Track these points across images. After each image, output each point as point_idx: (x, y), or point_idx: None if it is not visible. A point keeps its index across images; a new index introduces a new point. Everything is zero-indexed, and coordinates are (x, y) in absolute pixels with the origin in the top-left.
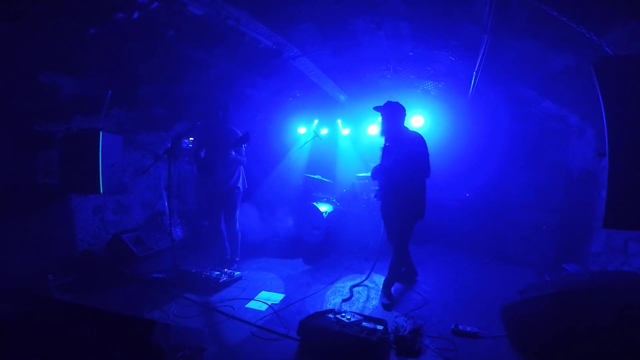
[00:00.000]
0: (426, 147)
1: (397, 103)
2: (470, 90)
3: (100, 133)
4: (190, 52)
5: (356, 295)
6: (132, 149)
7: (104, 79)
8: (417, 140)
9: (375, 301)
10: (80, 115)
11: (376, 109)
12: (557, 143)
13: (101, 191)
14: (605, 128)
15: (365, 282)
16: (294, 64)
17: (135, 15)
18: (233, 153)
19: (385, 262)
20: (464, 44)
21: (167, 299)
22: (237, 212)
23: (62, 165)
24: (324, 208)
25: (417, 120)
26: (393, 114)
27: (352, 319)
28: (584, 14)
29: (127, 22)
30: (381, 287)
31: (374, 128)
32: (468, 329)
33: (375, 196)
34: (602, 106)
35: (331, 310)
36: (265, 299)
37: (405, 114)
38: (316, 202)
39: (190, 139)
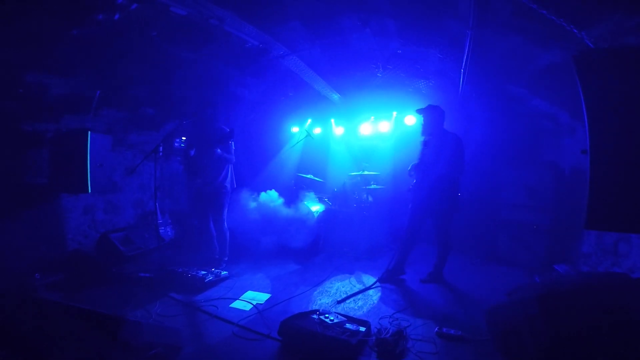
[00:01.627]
0: (463, 147)
1: (438, 107)
2: (460, 89)
3: (89, 133)
4: (177, 52)
5: (340, 292)
6: (124, 149)
7: (91, 79)
8: (456, 140)
9: (361, 302)
10: (69, 115)
11: (418, 111)
12: (549, 142)
13: (89, 190)
14: (586, 124)
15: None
16: (284, 63)
17: (117, 16)
18: (219, 151)
19: (371, 261)
20: (449, 40)
21: (152, 298)
22: (225, 212)
23: (51, 165)
24: (315, 207)
25: (409, 120)
26: (433, 116)
27: (336, 320)
28: (564, 6)
29: (109, 23)
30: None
31: (366, 127)
32: (452, 332)
33: (410, 190)
34: (582, 101)
35: (315, 311)
36: (251, 299)
37: (443, 115)
38: (307, 201)
39: (183, 138)
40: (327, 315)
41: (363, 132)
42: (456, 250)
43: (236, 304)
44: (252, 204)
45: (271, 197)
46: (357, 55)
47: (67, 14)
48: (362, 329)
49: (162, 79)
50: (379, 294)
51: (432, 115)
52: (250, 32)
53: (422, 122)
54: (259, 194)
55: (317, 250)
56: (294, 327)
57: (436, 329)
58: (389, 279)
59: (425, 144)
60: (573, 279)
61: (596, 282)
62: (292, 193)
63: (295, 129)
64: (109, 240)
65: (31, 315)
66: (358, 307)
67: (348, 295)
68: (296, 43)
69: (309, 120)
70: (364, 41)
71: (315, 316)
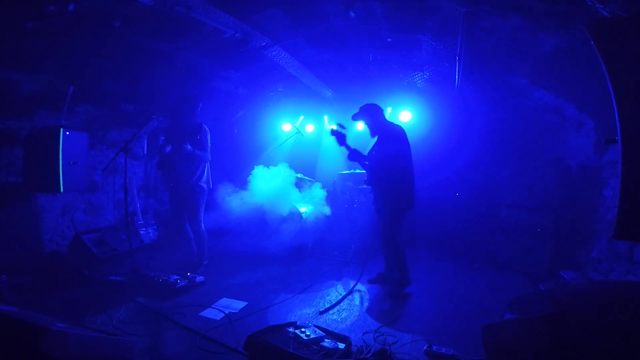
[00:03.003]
0: (398, 138)
1: (368, 104)
2: (457, 80)
3: (61, 130)
4: (150, 44)
5: (325, 301)
6: (104, 147)
7: (63, 74)
8: (392, 132)
9: (346, 313)
10: (43, 111)
11: (354, 117)
12: (553, 137)
13: (61, 190)
14: (615, 108)
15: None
16: (268, 55)
17: (71, 7)
18: (188, 147)
19: (361, 266)
20: (441, 24)
21: (118, 303)
22: (201, 212)
23: (25, 163)
24: (304, 208)
25: (404, 116)
26: (368, 115)
27: (313, 336)
28: None
29: (66, 14)
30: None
31: (361, 124)
32: (443, 350)
33: (366, 182)
34: (607, 79)
35: (292, 324)
36: (224, 307)
37: (379, 110)
38: (296, 201)
39: None
40: (303, 330)
41: (357, 129)
42: (452, 254)
43: (207, 312)
44: (236, 200)
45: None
46: (346, 45)
47: (20, 7)
48: (341, 346)
49: (139, 73)
50: (367, 303)
51: (366, 114)
52: (226, 21)
53: (367, 125)
54: (241, 190)
55: (304, 254)
56: (262, 342)
57: (425, 347)
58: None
59: None
60: (583, 289)
61: (611, 295)
62: None
63: (286, 126)
64: (82, 241)
65: None
66: (342, 318)
67: (332, 305)
68: (278, 32)
69: (301, 117)
70: (351, 30)
71: (291, 329)
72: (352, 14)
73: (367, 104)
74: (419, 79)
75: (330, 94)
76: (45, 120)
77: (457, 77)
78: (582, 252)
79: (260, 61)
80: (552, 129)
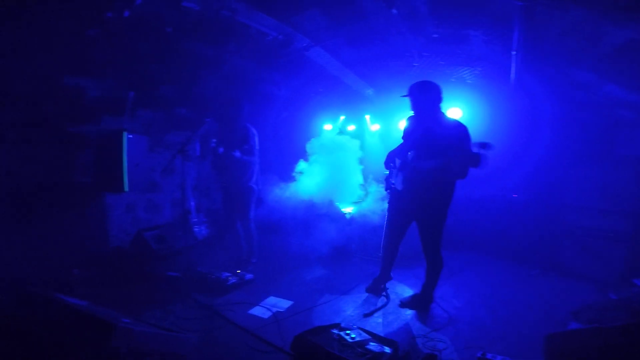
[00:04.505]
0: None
1: (426, 81)
2: (512, 75)
3: (124, 133)
4: (199, 50)
5: (369, 304)
6: (162, 149)
7: (122, 80)
8: (463, 132)
9: (392, 316)
10: (108, 116)
11: (405, 96)
12: (628, 134)
13: (125, 189)
14: None
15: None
16: (309, 56)
17: (126, 13)
18: (237, 154)
19: (408, 269)
20: (494, 18)
21: (175, 299)
22: (251, 212)
23: (95, 165)
24: (348, 208)
25: (454, 113)
26: (422, 95)
27: (357, 338)
28: None
29: (122, 21)
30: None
31: (404, 123)
32: (499, 358)
33: (387, 188)
34: None
35: (337, 325)
36: (271, 305)
37: (440, 94)
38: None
39: None
40: (348, 332)
41: (400, 128)
42: (510, 260)
43: (255, 310)
44: (283, 198)
45: None
46: (388, 43)
47: (81, 14)
48: (388, 350)
49: (189, 78)
50: None
51: (420, 94)
52: (268, 23)
53: (411, 105)
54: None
55: (348, 255)
56: (308, 343)
57: (479, 354)
58: (375, 288)
59: (410, 131)
60: None
61: None
62: None
63: (328, 127)
64: (143, 238)
65: (28, 313)
66: (387, 322)
67: (377, 308)
68: (318, 33)
69: (342, 117)
70: (393, 27)
71: (335, 331)
72: (394, 11)
73: (421, 82)
74: (469, 75)
75: (371, 92)
76: (110, 124)
77: (513, 72)
78: None
79: (302, 62)
80: (626, 125)
